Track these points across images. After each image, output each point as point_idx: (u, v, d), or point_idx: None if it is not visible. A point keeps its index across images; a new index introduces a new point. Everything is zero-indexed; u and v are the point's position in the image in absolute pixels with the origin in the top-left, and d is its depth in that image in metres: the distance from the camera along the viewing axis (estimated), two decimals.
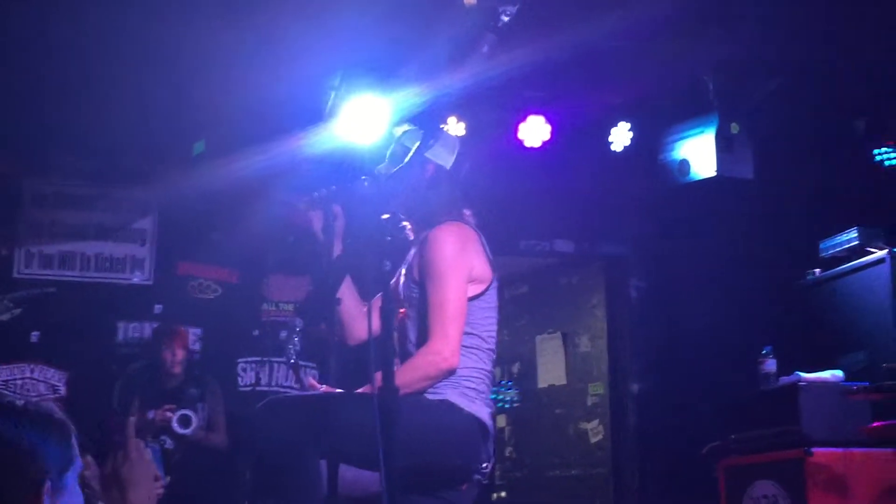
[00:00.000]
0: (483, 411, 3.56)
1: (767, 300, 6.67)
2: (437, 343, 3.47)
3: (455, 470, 3.51)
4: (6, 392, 6.17)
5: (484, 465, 3.57)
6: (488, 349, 3.65)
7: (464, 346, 3.54)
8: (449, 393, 3.51)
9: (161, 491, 2.67)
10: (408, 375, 3.42)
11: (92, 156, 7.11)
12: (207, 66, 6.02)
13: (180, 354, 6.57)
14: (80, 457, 1.96)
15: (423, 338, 3.55)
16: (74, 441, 1.95)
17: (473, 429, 3.52)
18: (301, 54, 5.86)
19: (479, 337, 3.62)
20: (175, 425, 6.24)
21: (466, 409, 3.51)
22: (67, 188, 7.09)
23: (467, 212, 3.79)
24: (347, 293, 3.77)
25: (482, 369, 3.61)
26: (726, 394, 5.95)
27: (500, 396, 6.14)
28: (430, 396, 3.50)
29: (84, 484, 1.99)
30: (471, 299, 3.59)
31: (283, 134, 6.34)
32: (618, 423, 7.48)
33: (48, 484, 1.85)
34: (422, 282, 3.59)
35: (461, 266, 3.58)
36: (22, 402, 1.92)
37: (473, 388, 3.55)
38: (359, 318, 3.78)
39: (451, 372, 3.50)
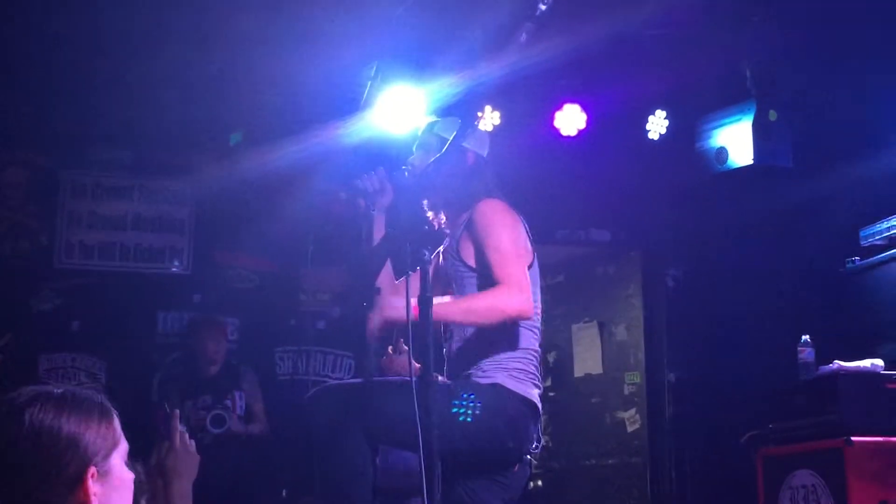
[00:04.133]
0: (532, 392, 3.58)
1: (806, 289, 6.61)
2: (511, 288, 3.46)
3: (507, 452, 3.55)
4: (48, 380, 6.27)
5: (534, 445, 3.60)
6: (534, 327, 3.66)
7: (507, 329, 3.56)
8: (498, 376, 3.53)
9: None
10: (481, 302, 3.41)
11: (130, 147, 7.17)
12: (244, 58, 6.06)
13: (219, 345, 6.60)
14: (124, 437, 1.98)
15: None
16: (117, 423, 1.97)
17: (524, 411, 3.55)
18: (337, 45, 5.88)
19: None
20: (209, 426, 6.28)
21: (516, 390, 3.53)
22: (106, 179, 7.15)
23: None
24: (385, 278, 3.81)
25: (529, 349, 3.63)
26: (764, 383, 5.91)
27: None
28: (479, 380, 3.53)
29: (131, 466, 2.00)
30: None
31: (320, 124, 6.37)
32: (654, 413, 7.46)
33: (92, 469, 1.87)
34: (478, 248, 3.62)
35: (516, 225, 3.64)
36: (60, 390, 1.94)
37: (522, 370, 3.58)
38: None
39: (522, 317, 3.50)
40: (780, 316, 6.62)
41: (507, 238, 3.58)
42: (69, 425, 1.87)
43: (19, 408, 1.88)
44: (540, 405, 3.63)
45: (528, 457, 3.66)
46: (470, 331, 3.63)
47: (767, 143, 6.30)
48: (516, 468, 3.63)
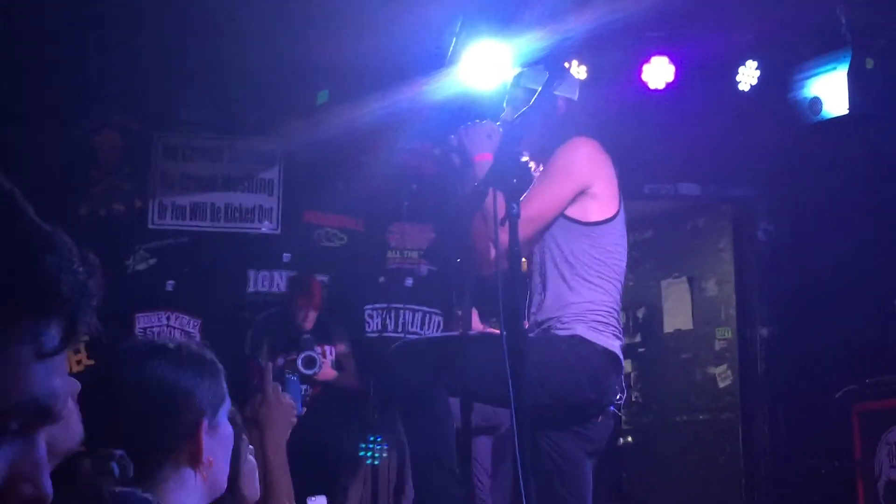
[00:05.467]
0: (613, 343, 3.56)
1: None
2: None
3: (589, 403, 3.54)
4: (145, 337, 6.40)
5: (618, 396, 3.58)
6: (617, 280, 3.62)
7: (588, 280, 3.54)
8: (578, 327, 3.52)
9: (295, 420, 2.77)
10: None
11: (219, 108, 7.25)
12: (330, 16, 6.07)
13: (312, 303, 6.66)
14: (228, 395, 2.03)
15: (552, 261, 3.57)
16: (224, 380, 2.01)
17: (604, 362, 3.53)
18: (422, 1, 5.86)
19: (609, 266, 3.60)
20: (300, 366, 6.36)
21: (597, 342, 3.51)
22: (196, 141, 7.26)
23: None
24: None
25: (609, 303, 3.60)
26: (859, 338, 5.81)
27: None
28: (559, 332, 3.51)
29: (232, 420, 2.05)
30: (601, 222, 3.59)
31: (405, 81, 6.37)
32: (746, 368, 7.37)
33: (205, 423, 1.91)
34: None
35: (579, 173, 3.59)
36: (174, 344, 1.98)
37: (602, 321, 3.55)
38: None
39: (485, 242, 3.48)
40: (876, 269, 6.48)
41: (557, 174, 3.56)
42: (185, 379, 1.92)
43: (138, 360, 1.93)
44: (622, 356, 3.61)
45: (613, 408, 3.64)
46: (550, 283, 3.61)
47: (863, 92, 6.14)
48: (600, 419, 3.62)
